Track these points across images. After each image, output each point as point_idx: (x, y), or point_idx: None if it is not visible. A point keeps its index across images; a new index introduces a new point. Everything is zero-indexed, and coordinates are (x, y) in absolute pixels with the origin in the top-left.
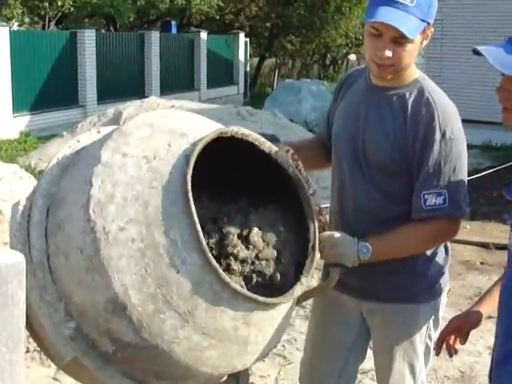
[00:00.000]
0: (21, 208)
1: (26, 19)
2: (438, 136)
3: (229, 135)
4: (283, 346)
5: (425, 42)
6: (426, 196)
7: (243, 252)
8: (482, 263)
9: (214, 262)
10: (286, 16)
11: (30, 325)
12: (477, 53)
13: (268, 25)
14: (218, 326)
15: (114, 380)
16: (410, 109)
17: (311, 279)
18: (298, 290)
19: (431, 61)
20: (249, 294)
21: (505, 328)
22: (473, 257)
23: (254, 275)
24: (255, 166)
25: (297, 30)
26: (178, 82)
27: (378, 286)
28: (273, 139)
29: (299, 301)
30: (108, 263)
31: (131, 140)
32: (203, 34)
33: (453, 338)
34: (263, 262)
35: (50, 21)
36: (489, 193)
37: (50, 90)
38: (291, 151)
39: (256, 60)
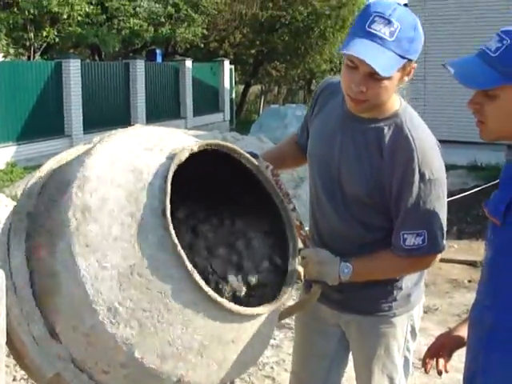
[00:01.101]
0: (1, 226)
1: (11, 50)
2: (416, 178)
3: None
4: (272, 367)
5: (406, 79)
6: (405, 236)
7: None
8: (469, 281)
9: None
10: (271, 42)
11: (10, 342)
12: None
13: (253, 51)
14: (199, 340)
15: None
16: (387, 145)
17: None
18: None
19: (415, 82)
20: (231, 304)
21: (472, 345)
22: (461, 275)
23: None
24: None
25: (281, 56)
26: (163, 110)
27: (354, 299)
28: (252, 155)
29: (282, 316)
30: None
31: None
32: (188, 62)
33: (442, 361)
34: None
35: (35, 51)
36: (475, 211)
37: (35, 120)
38: (271, 167)
39: (241, 87)
